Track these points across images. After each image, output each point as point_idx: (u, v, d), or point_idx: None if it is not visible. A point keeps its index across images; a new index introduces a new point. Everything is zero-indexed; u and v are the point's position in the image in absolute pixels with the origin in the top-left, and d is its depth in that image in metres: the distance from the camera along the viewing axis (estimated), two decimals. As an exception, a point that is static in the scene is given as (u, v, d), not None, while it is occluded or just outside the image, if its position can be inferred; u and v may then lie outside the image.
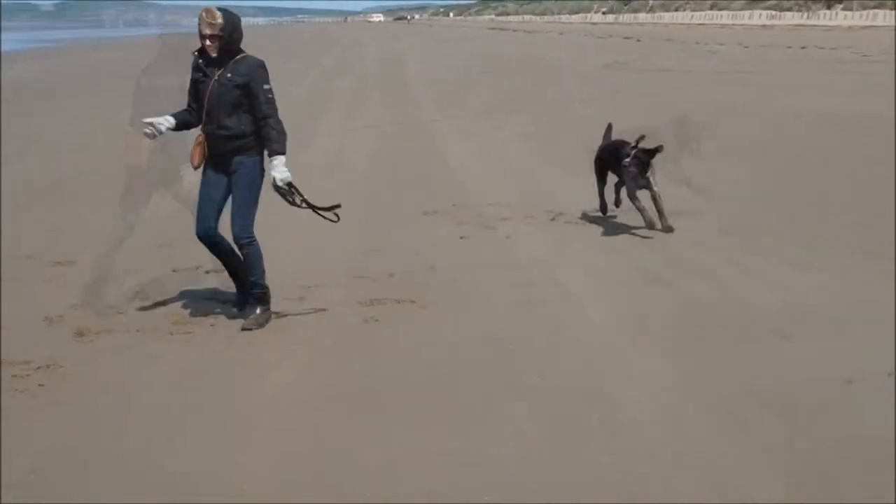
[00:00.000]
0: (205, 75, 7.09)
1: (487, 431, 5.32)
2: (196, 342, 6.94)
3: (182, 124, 7.22)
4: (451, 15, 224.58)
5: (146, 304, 7.70)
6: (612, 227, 9.94)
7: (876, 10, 74.20)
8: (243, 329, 7.07)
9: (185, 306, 7.60)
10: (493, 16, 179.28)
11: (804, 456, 4.92)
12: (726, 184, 12.17)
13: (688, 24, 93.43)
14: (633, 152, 9.68)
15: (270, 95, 7.04)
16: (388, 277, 8.29)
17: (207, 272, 8.45)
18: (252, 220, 7.13)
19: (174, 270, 7.74)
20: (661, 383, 5.92)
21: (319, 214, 7.43)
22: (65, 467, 5.05)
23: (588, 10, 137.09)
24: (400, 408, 5.69)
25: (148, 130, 7.13)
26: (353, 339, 6.95)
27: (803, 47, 45.04)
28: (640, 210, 9.74)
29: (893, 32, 49.32)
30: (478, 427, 5.38)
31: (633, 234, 9.65)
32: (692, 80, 28.20)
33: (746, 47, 45.81)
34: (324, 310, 7.53)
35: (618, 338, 6.80)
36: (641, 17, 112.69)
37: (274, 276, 7.96)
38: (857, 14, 76.87)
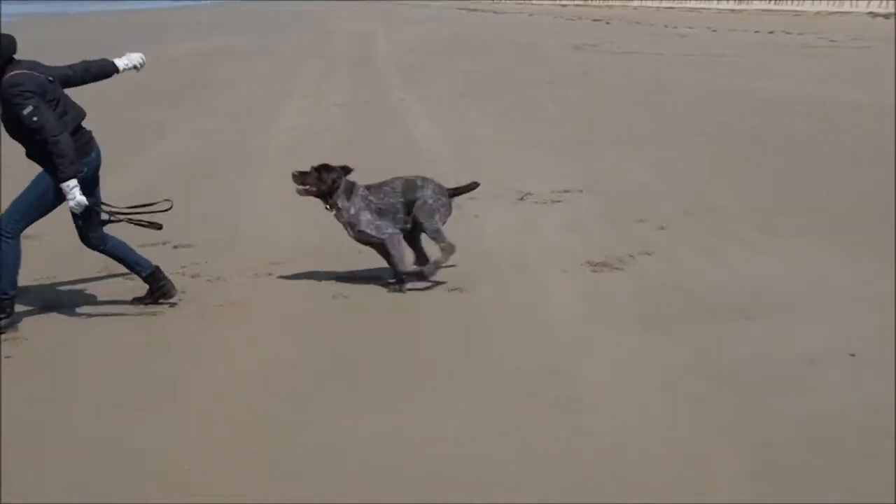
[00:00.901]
0: None
1: (450, 409, 5.36)
2: (163, 317, 6.95)
3: None
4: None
5: (113, 279, 7.70)
6: (579, 209, 9.98)
7: (843, -3, 74.63)
8: None
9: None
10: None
11: (766, 434, 5.00)
12: (692, 166, 12.27)
13: (657, 6, 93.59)
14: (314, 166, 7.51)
15: (35, 118, 6.27)
16: (356, 254, 8.31)
17: (175, 247, 8.45)
18: (19, 219, 6.68)
19: (142, 245, 7.70)
20: (626, 363, 5.98)
21: (141, 224, 6.98)
22: (28, 439, 5.06)
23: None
24: (365, 384, 5.73)
25: None
26: (320, 314, 6.98)
27: (771, 32, 45.23)
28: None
29: (863, 19, 49.59)
30: (440, 404, 5.43)
31: (600, 215, 9.71)
32: (661, 62, 28.29)
33: (714, 31, 45.89)
34: (292, 286, 7.56)
35: (583, 318, 6.85)
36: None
37: (243, 251, 7.96)
38: (824, 0, 77.33)
